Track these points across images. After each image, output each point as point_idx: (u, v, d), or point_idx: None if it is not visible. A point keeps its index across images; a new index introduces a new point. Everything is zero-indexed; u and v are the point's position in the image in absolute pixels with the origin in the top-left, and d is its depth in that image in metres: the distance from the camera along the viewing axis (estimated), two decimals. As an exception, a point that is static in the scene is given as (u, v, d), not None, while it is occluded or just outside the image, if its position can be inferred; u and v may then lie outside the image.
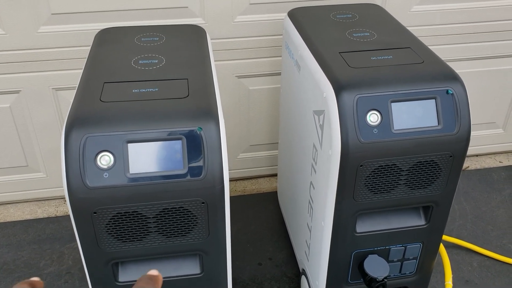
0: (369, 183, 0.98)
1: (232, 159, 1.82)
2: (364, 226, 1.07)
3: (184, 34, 1.18)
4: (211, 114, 0.87)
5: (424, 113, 0.96)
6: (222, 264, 0.97)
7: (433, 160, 0.98)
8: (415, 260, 1.15)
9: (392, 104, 0.94)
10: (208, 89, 0.95)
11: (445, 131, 0.96)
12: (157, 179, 0.84)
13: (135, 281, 0.98)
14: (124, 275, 0.97)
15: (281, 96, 1.45)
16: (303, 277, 1.35)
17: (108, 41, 1.14)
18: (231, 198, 1.81)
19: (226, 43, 1.55)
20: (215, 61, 1.58)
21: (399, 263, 1.14)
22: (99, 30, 1.21)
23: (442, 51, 1.71)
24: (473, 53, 1.74)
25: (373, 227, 1.08)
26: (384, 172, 0.97)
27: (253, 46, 1.57)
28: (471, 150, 2.00)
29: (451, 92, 0.96)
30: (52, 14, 1.41)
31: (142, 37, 1.15)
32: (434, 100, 0.96)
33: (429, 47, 1.67)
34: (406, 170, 0.98)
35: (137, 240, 0.90)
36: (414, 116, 0.95)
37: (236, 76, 1.63)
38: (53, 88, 1.53)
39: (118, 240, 0.89)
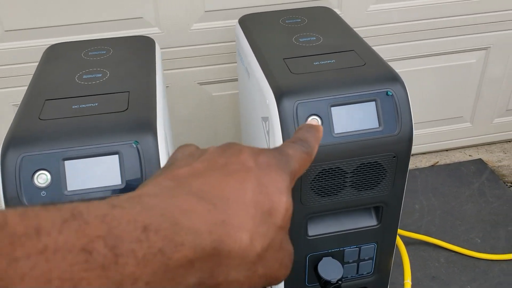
0: (315, 186, 0.99)
1: (200, 166, 1.82)
2: (316, 229, 1.08)
3: (131, 46, 1.18)
4: (148, 127, 0.87)
5: (365, 116, 0.96)
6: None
7: (376, 162, 0.99)
8: (371, 261, 1.15)
9: (332, 108, 0.95)
10: (149, 101, 0.95)
11: (387, 132, 0.97)
12: (95, 195, 0.85)
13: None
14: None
15: (239, 102, 1.46)
16: (267, 282, 1.35)
17: (55, 57, 1.14)
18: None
19: (184, 51, 1.56)
20: (175, 69, 1.58)
21: (355, 264, 1.15)
22: (48, 46, 1.21)
23: (402, 49, 1.72)
24: (434, 49, 1.75)
25: (325, 230, 1.08)
26: (328, 176, 0.98)
27: (211, 53, 1.57)
28: (440, 145, 2.01)
29: (391, 94, 0.97)
30: (6, 31, 1.41)
31: (90, 51, 1.15)
32: (374, 102, 0.97)
33: (389, 45, 1.69)
34: (350, 172, 0.99)
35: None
36: (354, 119, 0.96)
37: (197, 83, 1.63)
38: (13, 105, 1.53)
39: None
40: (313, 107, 0.94)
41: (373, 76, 0.99)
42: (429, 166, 1.96)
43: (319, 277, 1.09)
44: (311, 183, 0.98)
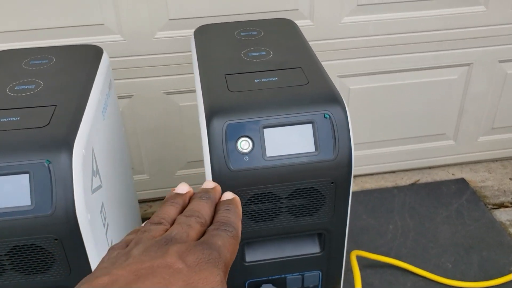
0: (248, 211, 0.93)
1: (169, 177, 1.78)
2: (254, 255, 1.02)
3: (76, 55, 1.14)
4: (63, 145, 0.83)
5: (301, 139, 0.90)
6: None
7: (313, 187, 0.93)
8: (316, 289, 1.10)
9: (265, 130, 0.89)
10: (74, 117, 0.91)
11: (323, 157, 0.91)
12: (4, 215, 0.80)
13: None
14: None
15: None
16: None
17: (-5, 65, 1.11)
18: (169, 216, 1.77)
19: (148, 60, 1.52)
20: (140, 77, 1.54)
21: (299, 292, 1.09)
22: (-6, 53, 1.18)
23: (379, 62, 1.65)
24: (415, 63, 1.68)
25: (264, 256, 1.03)
26: (261, 200, 0.92)
27: (176, 62, 1.53)
28: (423, 162, 1.94)
29: (328, 116, 0.91)
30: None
31: (31, 60, 1.12)
32: (311, 125, 0.91)
33: (365, 59, 1.62)
34: (285, 198, 0.93)
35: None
36: (289, 142, 0.90)
37: (164, 92, 1.59)
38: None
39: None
40: (245, 128, 0.89)
41: (312, 97, 0.93)
42: (409, 185, 1.88)
43: (256, 305, 1.03)
44: (243, 207, 0.93)
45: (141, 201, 1.81)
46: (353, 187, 1.86)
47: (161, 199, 1.84)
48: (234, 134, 0.89)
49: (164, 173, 1.77)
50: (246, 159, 0.89)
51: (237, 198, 0.46)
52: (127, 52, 1.48)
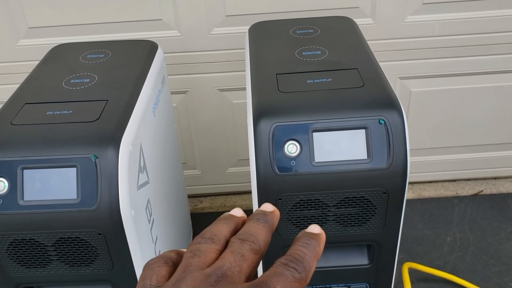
0: (292, 217, 0.90)
1: (220, 174, 1.78)
2: (298, 262, 0.99)
3: (131, 51, 1.15)
4: (111, 141, 0.83)
5: (352, 145, 0.86)
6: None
7: (363, 197, 0.88)
8: (362, 302, 1.04)
9: (314, 134, 0.85)
10: (124, 113, 0.91)
11: (375, 165, 0.85)
12: (51, 207, 0.82)
13: None
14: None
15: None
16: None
17: (54, 58, 1.14)
18: (218, 213, 1.77)
19: (204, 56, 1.51)
20: (195, 74, 1.54)
21: (344, 303, 1.04)
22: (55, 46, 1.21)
23: (445, 64, 1.55)
24: (483, 67, 1.57)
25: (308, 264, 0.99)
26: (307, 207, 0.89)
27: (231, 59, 1.51)
28: (487, 172, 1.81)
29: (383, 122, 0.85)
30: (30, 28, 1.44)
31: (88, 54, 1.14)
32: (364, 130, 0.86)
33: (428, 60, 1.53)
34: (333, 206, 0.88)
35: (40, 267, 0.88)
36: (339, 147, 0.86)
37: (218, 89, 1.58)
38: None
39: (21, 266, 0.88)
40: (292, 131, 0.85)
41: (366, 100, 0.87)
42: (471, 195, 1.77)
43: (298, 314, 0.99)
44: (287, 213, 0.89)
45: (191, 196, 1.81)
46: (410, 195, 1.78)
47: (212, 195, 1.84)
48: (281, 136, 0.86)
49: (215, 169, 1.76)
50: (293, 163, 0.85)
51: (323, 235, 0.38)
52: (183, 47, 1.49)
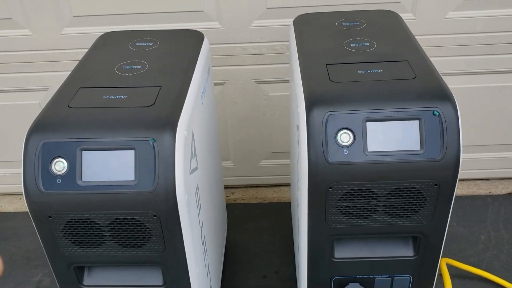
0: (342, 207, 0.91)
1: (253, 166, 1.79)
2: (343, 252, 1.00)
3: (179, 40, 1.17)
4: (168, 126, 0.85)
5: (405, 135, 0.86)
6: (183, 276, 0.95)
7: (414, 188, 0.88)
8: (405, 294, 1.05)
9: (367, 123, 0.86)
10: (178, 99, 0.92)
11: (428, 157, 0.86)
12: (109, 188, 0.84)
13: (100, 286, 0.99)
14: (89, 279, 0.98)
15: (290, 105, 1.39)
16: (297, 296, 1.29)
17: (104, 45, 1.16)
18: (250, 205, 1.78)
19: (243, 48, 1.52)
20: (233, 65, 1.55)
21: (387, 295, 1.05)
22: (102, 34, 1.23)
23: (486, 61, 1.54)
24: (523, 64, 1.56)
25: (353, 254, 1.00)
26: (357, 197, 0.89)
27: (270, 51, 1.52)
28: (522, 171, 1.80)
29: (437, 114, 0.85)
30: (74, 16, 1.47)
31: (137, 42, 1.16)
32: (417, 121, 0.86)
33: (469, 57, 1.53)
34: (383, 196, 0.89)
35: (94, 247, 0.90)
36: (392, 138, 0.86)
37: (255, 81, 1.59)
38: (78, 87, 1.59)
39: (76, 245, 0.90)
40: (346, 120, 0.86)
41: (420, 92, 0.88)
42: (505, 194, 1.75)
43: (342, 303, 1.01)
44: (337, 202, 0.90)
45: (224, 187, 1.83)
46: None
47: (244, 187, 1.85)
48: (334, 125, 0.86)
49: (248, 161, 1.78)
50: (346, 152, 0.86)
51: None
52: (224, 39, 1.50)
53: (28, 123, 1.67)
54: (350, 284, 1.02)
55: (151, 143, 0.83)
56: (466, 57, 1.53)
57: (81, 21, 1.48)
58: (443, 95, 0.87)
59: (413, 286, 1.03)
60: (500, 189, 1.78)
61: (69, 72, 1.56)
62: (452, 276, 1.42)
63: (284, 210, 1.73)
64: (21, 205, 1.82)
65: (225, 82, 1.59)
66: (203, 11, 1.47)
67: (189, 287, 0.97)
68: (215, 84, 1.57)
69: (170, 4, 1.45)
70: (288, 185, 1.84)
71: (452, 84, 1.59)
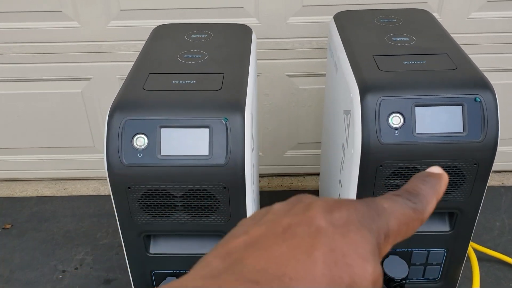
0: (390, 184, 1.01)
1: (280, 155, 1.89)
2: (385, 227, 1.10)
3: (230, 33, 1.26)
4: (238, 107, 0.95)
5: (449, 119, 0.96)
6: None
7: (456, 167, 0.98)
8: (439, 266, 1.15)
9: (416, 108, 0.96)
10: (241, 84, 1.02)
11: (470, 138, 0.96)
12: (184, 162, 0.93)
13: (165, 254, 1.08)
14: (155, 248, 1.07)
15: (325, 96, 1.49)
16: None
17: (161, 36, 1.25)
18: (276, 192, 1.88)
19: (278, 43, 1.62)
20: (267, 59, 1.65)
21: (422, 267, 1.15)
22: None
23: (503, 60, 1.65)
24: (538, 63, 1.67)
25: (395, 228, 1.09)
26: (404, 175, 0.99)
27: (304, 46, 1.62)
28: (532, 165, 1.91)
29: (479, 100, 0.96)
30: (121, 10, 1.56)
31: (192, 34, 1.25)
32: (461, 107, 0.96)
33: (488, 55, 1.63)
34: (427, 174, 0.99)
35: (165, 217, 0.99)
36: (438, 121, 0.96)
37: (287, 75, 1.69)
38: (119, 78, 1.68)
39: (149, 214, 0.99)
40: (397, 104, 0.96)
41: (462, 81, 0.98)
42: (517, 185, 1.87)
43: (383, 274, 1.10)
44: (385, 180, 1.00)
45: (250, 176, 1.93)
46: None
47: (270, 175, 1.95)
48: (386, 109, 0.96)
49: (275, 151, 1.87)
50: (396, 133, 0.96)
51: (445, 175, 0.35)
52: (260, 34, 1.59)
53: (69, 111, 1.76)
54: (390, 256, 1.12)
55: (224, 122, 0.93)
56: (486, 55, 1.63)
57: (128, 15, 1.57)
58: (484, 84, 0.97)
59: (447, 260, 1.14)
60: (512, 181, 1.90)
61: (113, 63, 1.65)
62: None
63: (309, 197, 1.83)
64: (57, 189, 1.91)
65: (259, 75, 1.68)
66: (242, 7, 1.56)
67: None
68: (250, 76, 1.67)
69: (212, 1, 1.54)
70: (312, 174, 1.94)
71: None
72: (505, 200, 1.79)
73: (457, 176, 1.00)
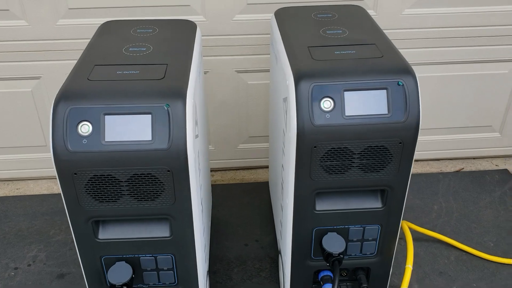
0: (324, 164, 1.08)
1: (232, 150, 1.95)
2: (323, 205, 1.17)
3: (175, 28, 1.32)
4: (179, 94, 1.00)
5: (375, 102, 1.05)
6: (187, 229, 1.09)
7: (383, 146, 1.07)
8: (374, 242, 1.23)
9: (345, 92, 1.04)
10: (183, 74, 1.08)
11: (394, 119, 1.05)
12: (128, 147, 0.98)
13: (113, 239, 1.12)
14: (104, 233, 1.11)
15: (269, 88, 1.57)
16: (279, 256, 1.45)
17: (108, 31, 1.29)
18: (229, 185, 1.94)
19: (225, 40, 1.69)
20: (216, 56, 1.71)
21: (359, 243, 1.23)
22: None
23: (434, 53, 1.78)
24: (469, 56, 1.80)
25: (331, 206, 1.17)
26: (337, 154, 1.07)
27: (250, 43, 1.69)
28: (468, 152, 2.05)
29: (401, 84, 1.05)
30: (69, 9, 1.59)
31: (138, 29, 1.30)
32: (385, 91, 1.05)
33: (421, 50, 1.75)
34: (358, 153, 1.07)
35: (112, 201, 1.03)
36: (365, 104, 1.05)
37: (235, 71, 1.76)
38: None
39: (96, 200, 1.03)
40: (328, 90, 1.04)
41: (387, 67, 1.07)
42: (454, 172, 1.99)
43: (323, 250, 1.18)
44: (320, 160, 1.08)
45: (203, 171, 1.98)
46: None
47: (223, 170, 2.01)
48: (318, 95, 1.04)
49: (227, 145, 1.93)
50: (328, 116, 1.04)
51: None
52: (207, 31, 1.66)
53: (19, 110, 1.76)
54: (329, 233, 1.19)
55: (166, 108, 0.98)
56: (418, 50, 1.75)
57: (76, 13, 1.60)
58: (406, 70, 1.07)
59: (382, 235, 1.22)
60: (449, 167, 2.02)
61: (62, 62, 1.67)
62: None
63: (261, 188, 1.90)
64: (9, 190, 1.90)
65: (208, 71, 1.74)
66: (189, 5, 1.62)
67: (192, 239, 1.12)
68: (199, 72, 1.73)
69: (159, -2, 1.60)
70: (264, 167, 2.01)
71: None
72: (443, 186, 1.91)
73: (385, 154, 1.08)
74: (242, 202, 1.84)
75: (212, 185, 1.92)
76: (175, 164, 0.99)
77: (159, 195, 1.03)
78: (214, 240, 1.66)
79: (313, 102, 1.04)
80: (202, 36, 1.66)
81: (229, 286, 1.50)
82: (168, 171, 1.00)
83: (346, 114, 1.04)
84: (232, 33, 1.67)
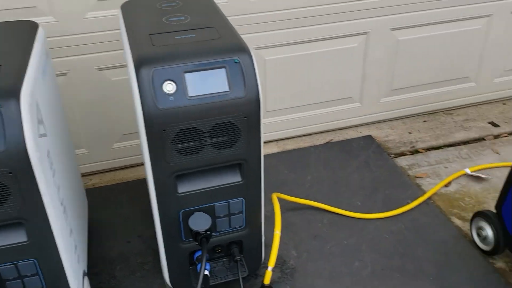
0: (176, 146, 1.12)
1: (107, 150, 1.92)
2: (185, 187, 1.21)
3: (15, 29, 1.27)
4: (13, 93, 0.97)
5: (216, 81, 1.10)
6: (45, 232, 1.07)
7: (230, 122, 1.13)
8: (241, 215, 1.29)
9: (186, 74, 1.08)
10: (17, 73, 1.05)
11: (235, 95, 1.11)
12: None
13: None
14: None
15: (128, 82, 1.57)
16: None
17: None
18: (109, 186, 1.91)
19: (81, 39, 1.65)
20: (73, 55, 1.67)
21: (227, 218, 1.28)
22: None
23: (291, 34, 1.88)
24: (319, 34, 1.93)
25: (193, 187, 1.21)
26: (187, 135, 1.11)
27: (107, 39, 1.68)
28: (335, 124, 2.20)
29: (238, 61, 1.11)
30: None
31: (-28, 33, 1.23)
32: (224, 69, 1.11)
33: (278, 31, 1.85)
34: (207, 132, 1.12)
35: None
36: (207, 83, 1.10)
37: (96, 68, 1.73)
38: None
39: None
40: (168, 73, 1.07)
41: (224, 47, 1.13)
42: (324, 143, 2.14)
43: (190, 230, 1.22)
44: (171, 142, 1.11)
45: (81, 175, 1.92)
46: (275, 149, 2.10)
47: (101, 172, 1.97)
48: (160, 78, 1.07)
49: (101, 146, 1.90)
50: (172, 99, 1.07)
51: None
52: (60, 32, 1.61)
53: None
54: (195, 213, 1.23)
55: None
56: (274, 32, 1.85)
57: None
58: (241, 48, 1.13)
59: (247, 208, 1.29)
60: (320, 140, 2.16)
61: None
62: (286, 210, 1.73)
63: (141, 185, 1.89)
64: None
65: (68, 72, 1.70)
66: (35, 7, 1.56)
67: (53, 243, 1.09)
68: (58, 75, 1.67)
69: (1, 1, 1.52)
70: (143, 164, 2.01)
71: (268, 56, 1.90)
72: (314, 158, 2.04)
73: (234, 130, 1.14)
74: (122, 200, 1.82)
75: (91, 189, 1.88)
76: (15, 166, 0.96)
77: (6, 199, 1.00)
78: (94, 242, 1.63)
79: (155, 86, 1.06)
80: (55, 37, 1.62)
81: (113, 284, 1.49)
82: (10, 173, 0.97)
83: (189, 95, 1.08)
84: (86, 31, 1.65)
